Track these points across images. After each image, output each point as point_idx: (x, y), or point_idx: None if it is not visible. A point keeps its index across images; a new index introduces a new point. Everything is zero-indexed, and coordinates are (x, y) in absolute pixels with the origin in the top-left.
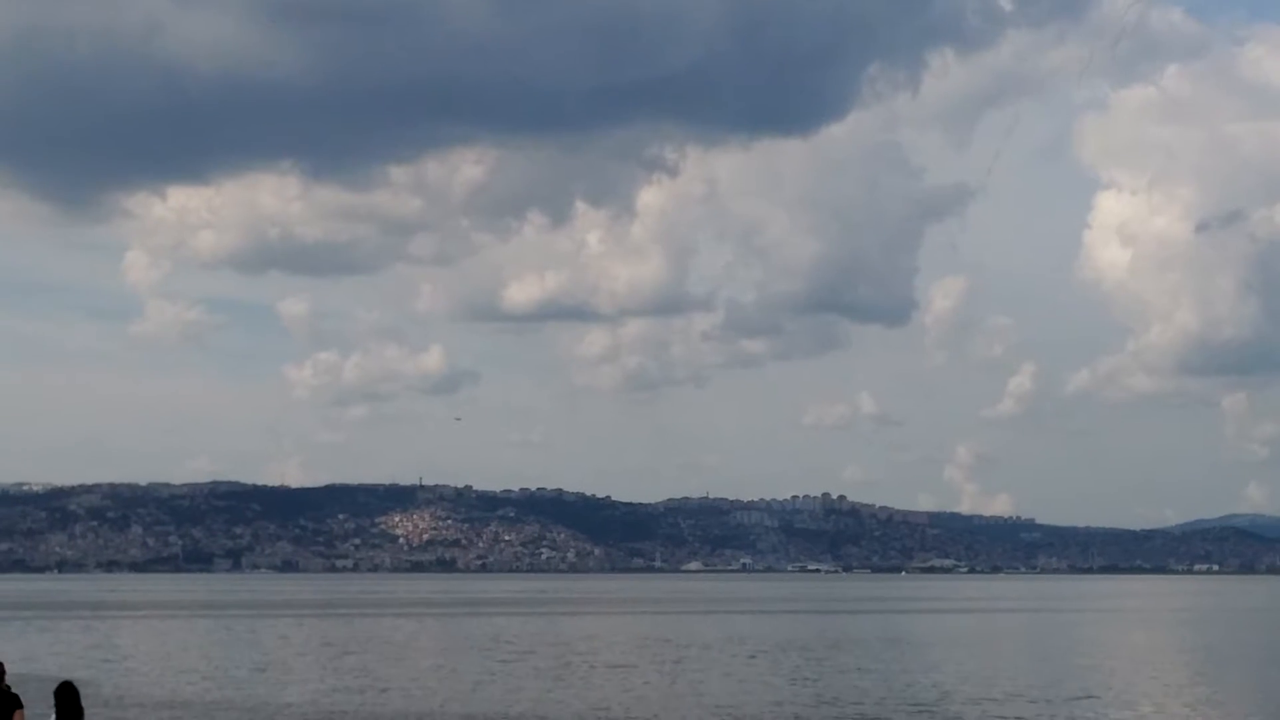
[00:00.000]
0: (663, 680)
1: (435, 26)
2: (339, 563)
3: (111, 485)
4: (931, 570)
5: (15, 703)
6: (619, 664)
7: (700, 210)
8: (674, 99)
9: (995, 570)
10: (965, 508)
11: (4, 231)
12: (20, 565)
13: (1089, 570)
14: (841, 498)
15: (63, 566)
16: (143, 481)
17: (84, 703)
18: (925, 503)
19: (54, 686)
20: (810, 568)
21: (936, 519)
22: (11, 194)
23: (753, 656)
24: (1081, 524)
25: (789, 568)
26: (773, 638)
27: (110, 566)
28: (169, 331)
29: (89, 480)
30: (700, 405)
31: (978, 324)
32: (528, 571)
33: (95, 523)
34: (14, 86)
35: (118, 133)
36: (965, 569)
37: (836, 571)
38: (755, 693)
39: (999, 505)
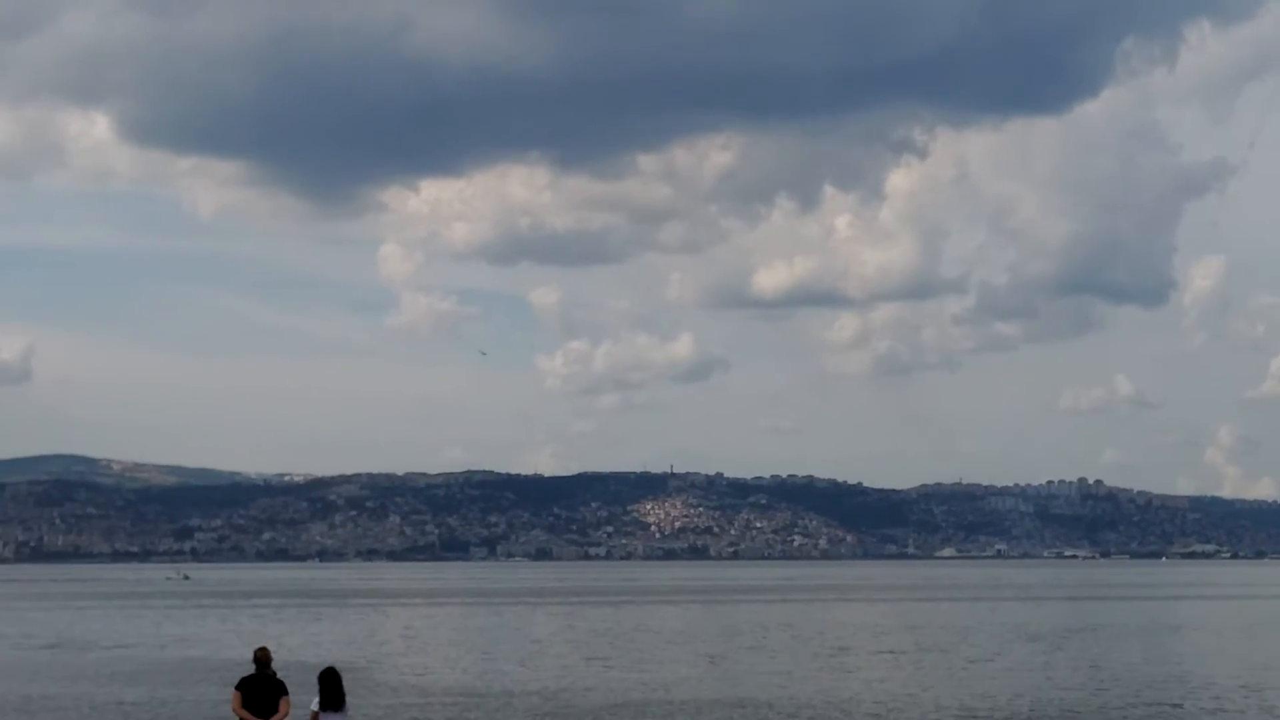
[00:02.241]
0: (935, 666)
1: (682, 13)
2: (592, 550)
3: (370, 475)
4: (1193, 556)
5: (281, 688)
6: (890, 650)
7: (951, 192)
8: (923, 80)
9: (1259, 555)
10: (1227, 491)
11: (264, 228)
12: (282, 554)
13: None
14: (1098, 482)
15: (323, 555)
16: (400, 471)
17: (349, 688)
18: (1185, 486)
19: (318, 672)
20: (1067, 554)
21: (1197, 503)
22: (271, 191)
23: (1024, 642)
24: None
25: (1045, 554)
26: (1037, 624)
27: (369, 555)
28: (423, 323)
29: (348, 471)
30: (952, 389)
31: (1239, 303)
32: (779, 558)
33: (354, 512)
34: (271, 86)
35: (371, 128)
36: (1228, 554)
37: (1094, 557)
38: (1030, 679)
39: (1263, 489)
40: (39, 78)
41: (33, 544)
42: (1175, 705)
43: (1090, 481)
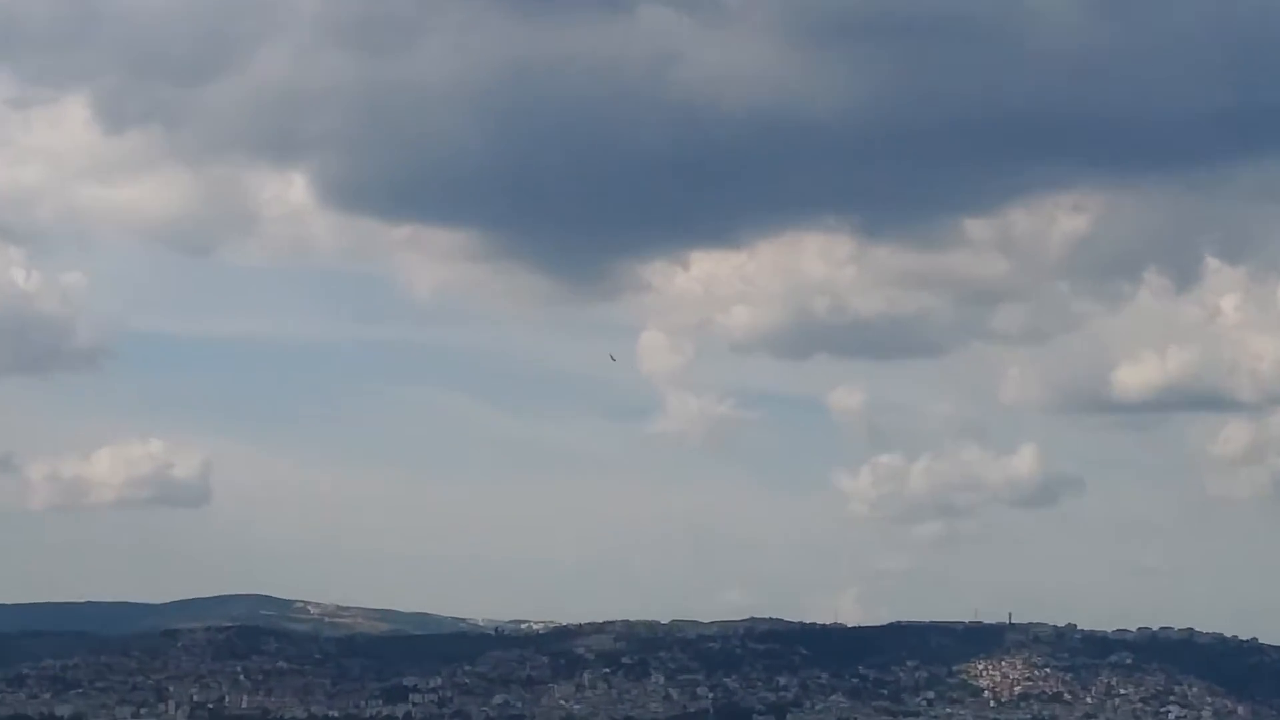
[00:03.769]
0: None
1: (1022, 42)
2: None
3: (627, 623)
4: None
5: None
6: None
7: None
8: None
9: None
10: None
11: (496, 312)
12: None
13: None
14: None
15: None
16: (664, 619)
17: None
18: None
19: None
20: None
21: None
22: (505, 267)
23: None
24: None
25: None
26: None
27: None
28: (693, 431)
29: (599, 618)
30: None
31: None
32: None
33: (607, 669)
34: (503, 136)
35: (628, 188)
36: None
37: None
38: None
39: None
40: (224, 130)
41: (211, 705)
42: None
43: None
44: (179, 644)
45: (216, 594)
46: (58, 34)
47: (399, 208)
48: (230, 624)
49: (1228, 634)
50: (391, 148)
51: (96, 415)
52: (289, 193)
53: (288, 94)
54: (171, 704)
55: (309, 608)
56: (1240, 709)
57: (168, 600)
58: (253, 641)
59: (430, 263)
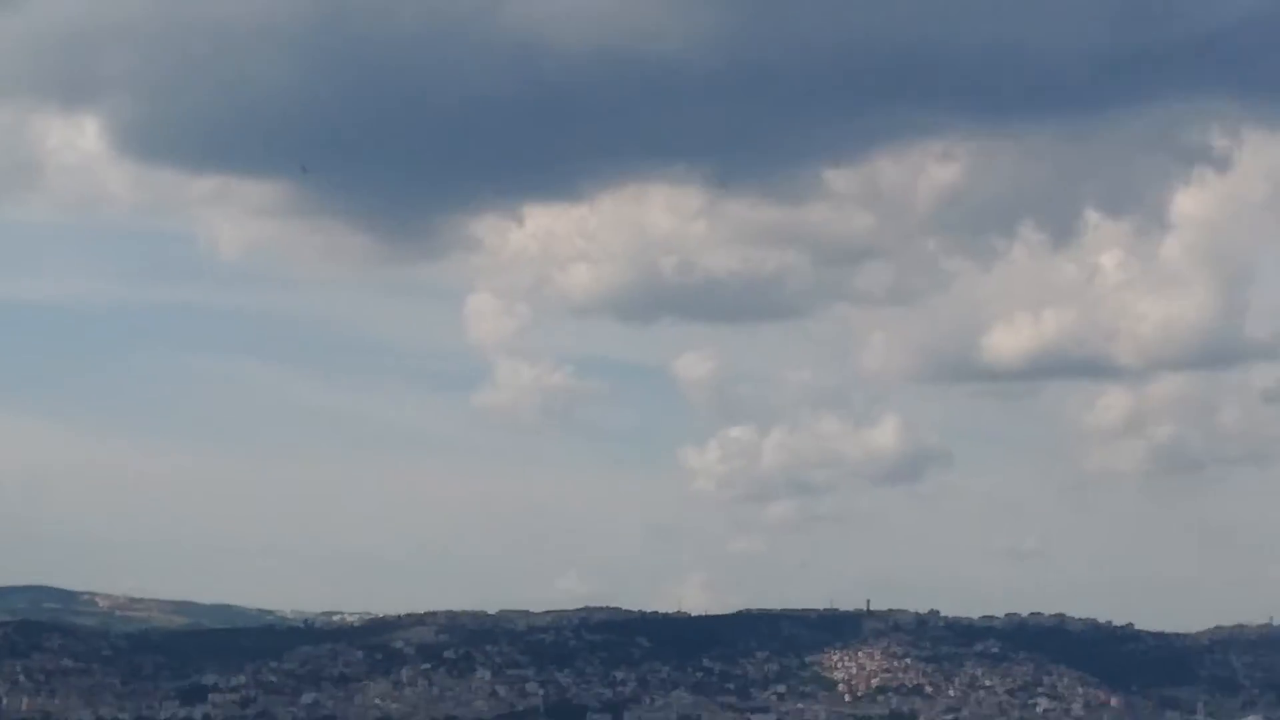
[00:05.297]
0: None
1: None
2: (756, 717)
3: (450, 614)
4: None
5: None
6: None
7: (1263, 218)
8: (1223, 65)
9: None
10: None
11: (309, 274)
12: None
13: None
14: None
15: None
16: (491, 609)
17: None
18: None
19: None
20: None
21: None
22: (320, 223)
23: None
24: None
25: None
26: None
27: None
28: (525, 403)
29: (419, 608)
30: (1263, 493)
31: None
32: None
33: (428, 665)
34: (319, 82)
35: (456, 135)
36: None
37: None
38: None
39: None
40: (8, 71)
41: None
42: None
43: None
44: None
45: None
46: None
47: (203, 157)
48: (9, 619)
49: (1102, 620)
50: (195, 91)
51: None
52: (79, 140)
53: (77, 31)
54: None
55: (97, 600)
56: (1114, 700)
57: None
58: (34, 638)
59: (237, 219)
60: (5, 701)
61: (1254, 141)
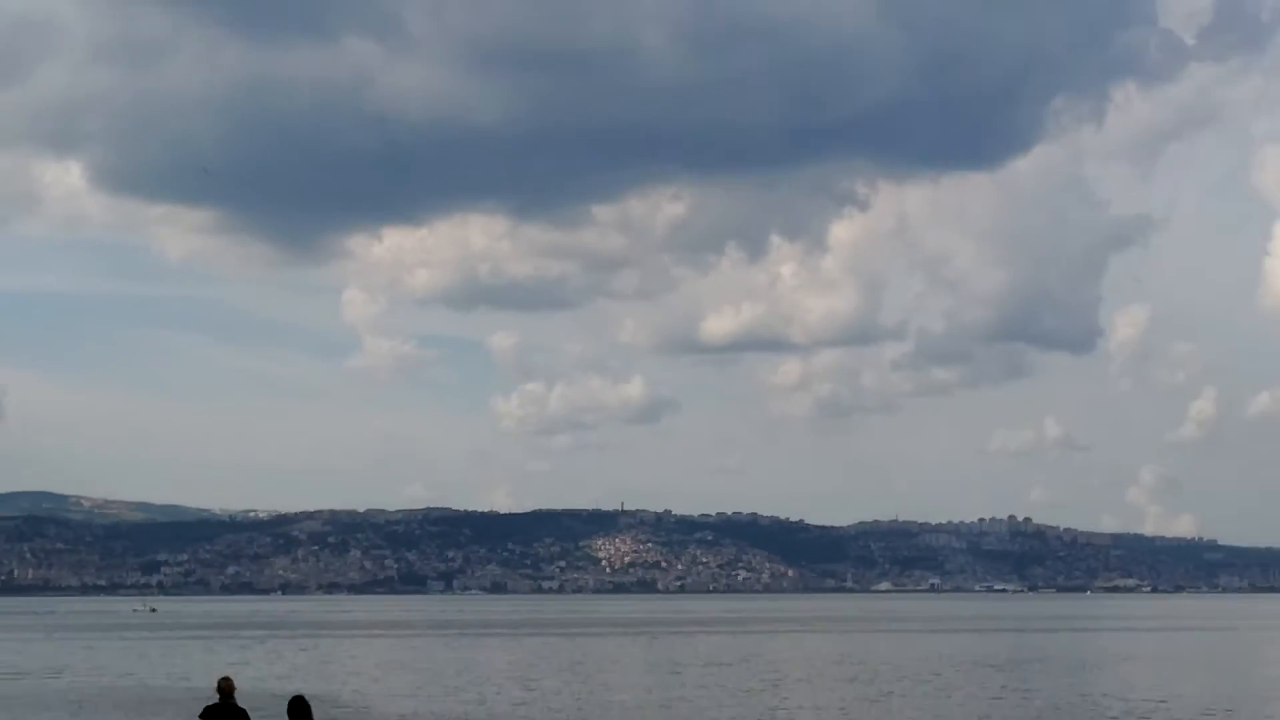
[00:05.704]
0: (871, 695)
1: (636, 73)
2: (545, 584)
3: (332, 512)
4: (1115, 590)
5: (244, 717)
6: (831, 678)
7: (891, 243)
8: (865, 136)
9: (1178, 590)
10: (1148, 529)
11: (232, 273)
12: (247, 588)
13: (1271, 589)
14: (1027, 520)
15: (286, 589)
16: (361, 509)
17: (317, 716)
18: (1109, 524)
19: (286, 701)
20: (997, 588)
21: (1120, 540)
22: (239, 238)
23: (950, 674)
24: (1263, 544)
25: (976, 588)
26: (968, 655)
27: (330, 588)
28: (384, 366)
29: (311, 508)
30: (890, 431)
31: (1161, 351)
32: (724, 592)
33: (316, 547)
34: (240, 136)
35: (336, 178)
36: (1148, 589)
37: (1022, 591)
38: (960, 706)
39: (1182, 526)
40: (14, 127)
41: (2, 577)
42: None
43: (1019, 519)
44: None
45: (7, 491)
46: None
47: (157, 191)
48: (18, 514)
49: (782, 517)
50: (150, 143)
51: None
52: (66, 178)
53: (66, 98)
54: None
55: (82, 501)
56: (790, 571)
57: None
58: (36, 527)
59: (180, 235)
60: (15, 573)
61: (885, 190)
